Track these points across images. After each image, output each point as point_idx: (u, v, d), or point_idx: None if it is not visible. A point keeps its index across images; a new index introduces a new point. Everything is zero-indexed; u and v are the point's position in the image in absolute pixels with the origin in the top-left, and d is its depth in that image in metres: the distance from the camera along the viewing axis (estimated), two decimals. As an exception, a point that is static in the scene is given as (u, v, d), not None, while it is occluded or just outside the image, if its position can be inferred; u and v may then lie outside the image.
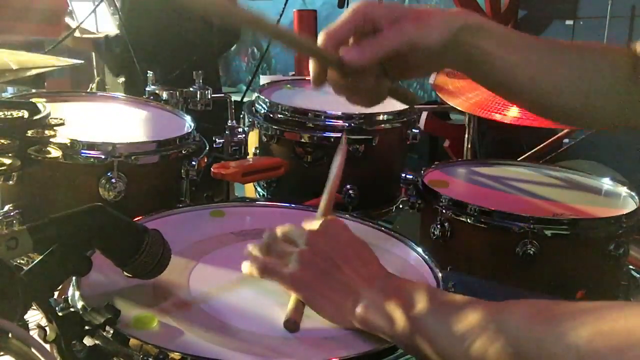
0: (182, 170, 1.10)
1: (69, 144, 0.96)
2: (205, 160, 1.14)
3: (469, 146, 1.99)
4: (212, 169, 1.13)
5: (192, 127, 1.17)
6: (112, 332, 0.60)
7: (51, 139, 0.80)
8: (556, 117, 0.82)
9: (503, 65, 0.71)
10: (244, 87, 1.93)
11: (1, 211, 1.00)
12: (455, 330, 0.55)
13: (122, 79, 2.26)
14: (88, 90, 2.20)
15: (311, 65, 0.72)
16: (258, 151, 1.36)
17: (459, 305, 0.57)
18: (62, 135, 0.91)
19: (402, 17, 0.69)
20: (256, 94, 1.37)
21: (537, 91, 0.73)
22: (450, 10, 0.72)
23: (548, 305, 0.51)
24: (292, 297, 0.67)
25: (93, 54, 2.68)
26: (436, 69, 0.77)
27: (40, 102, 0.85)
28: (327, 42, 0.69)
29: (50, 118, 0.82)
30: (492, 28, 0.71)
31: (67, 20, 2.29)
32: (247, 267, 0.73)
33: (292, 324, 0.64)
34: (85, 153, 0.98)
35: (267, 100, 1.31)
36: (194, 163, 1.09)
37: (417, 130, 1.32)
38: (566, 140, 2.40)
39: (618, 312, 0.47)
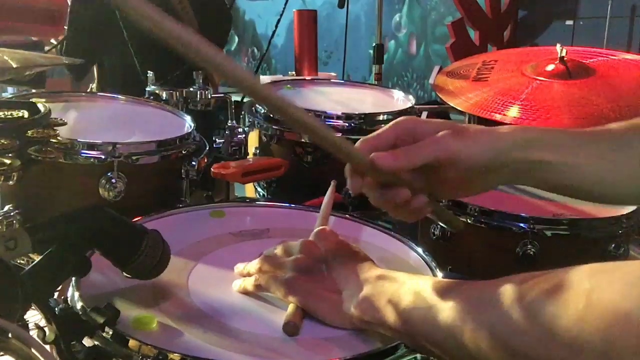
0: (182, 170, 1.10)
1: (69, 144, 0.96)
2: (205, 160, 1.14)
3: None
4: (212, 169, 1.13)
5: (192, 127, 1.17)
6: (111, 332, 0.60)
7: (51, 139, 0.81)
8: (632, 202, 0.80)
9: (564, 170, 0.67)
10: (244, 87, 1.92)
11: (1, 211, 1.00)
12: (443, 320, 0.54)
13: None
14: (88, 90, 2.19)
15: (347, 170, 0.67)
16: (258, 151, 1.36)
17: (445, 291, 0.57)
18: (62, 135, 0.91)
19: (444, 130, 0.67)
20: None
21: (606, 185, 0.69)
22: (499, 128, 0.69)
23: (531, 283, 0.49)
24: (291, 303, 0.68)
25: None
26: (483, 188, 0.73)
27: (40, 102, 0.86)
28: (363, 147, 0.66)
29: (51, 118, 0.82)
30: (541, 137, 0.68)
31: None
32: (238, 284, 0.73)
33: (292, 327, 0.64)
34: (85, 153, 0.98)
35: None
36: (194, 163, 1.09)
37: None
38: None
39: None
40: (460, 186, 0.71)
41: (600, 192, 0.70)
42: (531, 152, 0.67)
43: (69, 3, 2.00)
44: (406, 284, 0.62)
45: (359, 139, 1.22)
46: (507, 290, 0.50)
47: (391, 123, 0.69)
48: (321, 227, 0.77)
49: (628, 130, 0.70)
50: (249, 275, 0.73)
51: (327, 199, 0.89)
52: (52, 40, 2.16)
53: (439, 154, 0.65)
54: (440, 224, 0.81)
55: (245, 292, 0.72)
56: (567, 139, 0.69)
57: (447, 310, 0.54)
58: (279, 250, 0.75)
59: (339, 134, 0.59)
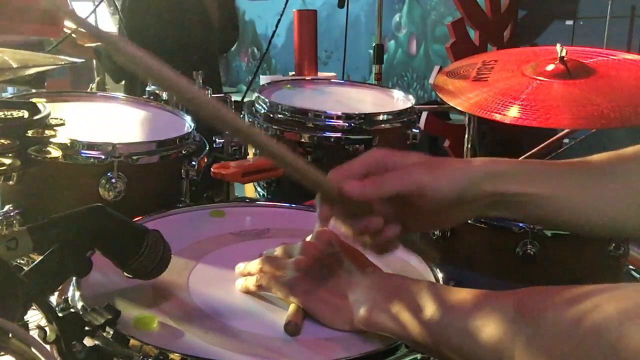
0: (182, 170, 1.10)
1: (69, 144, 0.96)
2: (205, 160, 1.14)
3: (469, 146, 1.99)
4: (212, 169, 1.13)
5: (192, 127, 1.17)
6: (112, 332, 0.60)
7: (51, 139, 0.80)
8: (611, 233, 0.80)
9: (538, 201, 0.67)
10: (244, 87, 1.93)
11: (1, 211, 1.00)
12: (484, 338, 0.52)
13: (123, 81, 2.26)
14: (88, 90, 2.19)
15: (316, 199, 0.68)
16: (258, 152, 1.36)
17: (471, 302, 0.56)
18: (62, 135, 0.91)
19: (415, 162, 0.67)
20: (256, 94, 1.37)
21: (586, 217, 0.68)
22: (472, 161, 0.69)
23: (568, 297, 0.49)
24: (292, 304, 0.68)
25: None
26: (457, 220, 0.73)
27: (40, 102, 0.85)
28: (333, 177, 0.67)
29: (50, 118, 0.82)
30: (514, 170, 0.68)
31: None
32: (240, 283, 0.73)
33: (293, 327, 0.64)
34: (85, 153, 0.98)
35: (267, 100, 1.31)
36: (194, 163, 1.09)
37: (417, 130, 1.32)
38: (566, 141, 2.40)
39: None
40: (432, 218, 0.71)
41: (578, 224, 0.69)
42: (503, 184, 0.66)
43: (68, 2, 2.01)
44: (422, 292, 0.61)
45: (359, 138, 1.22)
46: (563, 311, 0.49)
47: (363, 154, 0.70)
48: (322, 228, 0.77)
49: (611, 160, 0.70)
50: (249, 275, 0.73)
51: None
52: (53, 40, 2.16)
53: (406, 186, 0.65)
54: None
55: (247, 292, 0.72)
56: (542, 170, 0.69)
57: (490, 327, 0.53)
58: (279, 251, 0.75)
59: (309, 167, 0.62)
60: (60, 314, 0.58)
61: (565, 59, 1.34)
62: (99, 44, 2.26)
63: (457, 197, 0.66)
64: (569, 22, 3.29)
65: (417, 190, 0.65)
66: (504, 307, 0.53)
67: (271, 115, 1.27)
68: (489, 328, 0.53)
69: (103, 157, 0.98)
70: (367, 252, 0.75)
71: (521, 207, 0.68)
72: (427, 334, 0.58)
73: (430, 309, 0.58)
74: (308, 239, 0.76)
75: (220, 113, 0.56)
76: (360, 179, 0.67)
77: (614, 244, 1.04)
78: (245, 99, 1.67)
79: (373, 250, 0.72)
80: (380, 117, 1.26)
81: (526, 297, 0.53)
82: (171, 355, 0.57)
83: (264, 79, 2.42)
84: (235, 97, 1.56)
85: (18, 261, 0.85)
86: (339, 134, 1.21)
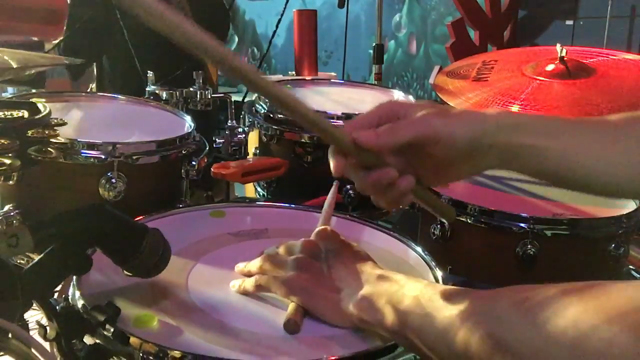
0: (182, 170, 1.10)
1: (69, 144, 0.96)
2: (205, 160, 1.14)
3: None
4: (212, 169, 1.13)
5: (192, 127, 1.17)
6: (112, 330, 0.60)
7: (51, 139, 0.81)
8: (620, 195, 0.79)
9: (551, 155, 0.65)
10: (244, 87, 1.92)
11: (1, 211, 1.00)
12: (438, 323, 0.54)
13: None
14: (88, 90, 2.19)
15: (330, 152, 0.66)
16: (258, 151, 1.36)
17: (446, 297, 0.57)
18: (62, 135, 0.91)
19: (429, 111, 0.66)
20: (256, 94, 1.37)
21: (594, 173, 0.67)
22: (484, 111, 0.68)
23: (533, 291, 0.50)
24: (291, 302, 0.68)
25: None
26: (470, 172, 0.71)
27: (40, 102, 0.86)
28: (347, 128, 0.65)
29: (50, 118, 0.82)
30: (529, 122, 0.67)
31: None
32: (237, 285, 0.73)
33: (293, 325, 0.64)
34: (85, 153, 0.98)
35: (267, 100, 1.31)
36: (194, 163, 1.10)
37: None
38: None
39: (600, 289, 0.46)
40: (445, 170, 0.69)
41: (591, 181, 0.67)
42: (517, 135, 0.65)
43: (68, 3, 2.00)
44: (406, 287, 0.62)
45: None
46: (505, 297, 0.51)
47: (375, 106, 0.69)
48: (323, 227, 0.78)
49: (628, 119, 0.69)
50: (249, 274, 0.73)
51: (329, 199, 0.89)
52: (53, 41, 2.16)
53: (421, 132, 0.64)
54: (432, 212, 0.80)
55: (245, 293, 0.72)
56: (558, 124, 0.68)
57: (443, 313, 0.55)
58: (280, 250, 0.75)
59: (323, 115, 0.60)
60: (60, 312, 0.58)
61: (565, 58, 1.34)
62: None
63: (470, 146, 0.64)
64: (569, 22, 3.29)
65: (432, 137, 0.64)
66: (463, 298, 0.55)
67: (271, 115, 1.27)
68: (442, 314, 0.54)
69: (103, 157, 0.98)
70: (365, 249, 0.75)
71: (534, 161, 0.66)
72: (398, 323, 0.59)
73: (406, 301, 0.59)
74: (311, 237, 0.76)
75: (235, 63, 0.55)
76: (373, 128, 0.65)
77: (614, 244, 1.04)
78: (245, 99, 1.67)
79: (384, 202, 0.70)
80: (380, 117, 1.26)
81: (488, 291, 0.53)
82: (171, 353, 0.57)
83: (264, 79, 2.41)
84: (235, 97, 1.56)
85: (18, 260, 0.85)
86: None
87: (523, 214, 1.01)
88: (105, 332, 0.60)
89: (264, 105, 1.31)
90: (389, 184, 0.66)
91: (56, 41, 1.88)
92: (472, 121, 0.65)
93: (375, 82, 2.43)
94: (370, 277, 0.66)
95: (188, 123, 1.21)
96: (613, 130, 0.68)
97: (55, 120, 0.84)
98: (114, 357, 0.60)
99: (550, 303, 0.46)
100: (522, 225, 1.01)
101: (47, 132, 0.80)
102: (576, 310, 0.44)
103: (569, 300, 0.45)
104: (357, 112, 1.24)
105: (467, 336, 0.51)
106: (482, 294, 0.55)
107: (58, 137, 0.87)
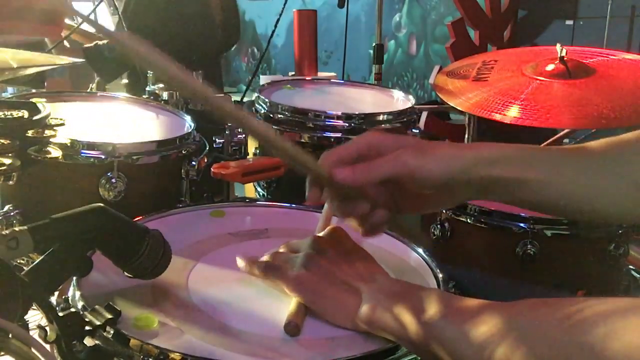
0: (182, 170, 1.10)
1: (69, 144, 0.96)
2: (205, 160, 1.14)
3: (469, 146, 1.99)
4: (212, 169, 1.13)
5: (192, 127, 1.17)
6: (112, 332, 0.60)
7: (51, 139, 0.80)
8: (607, 220, 0.80)
9: (530, 186, 0.66)
10: (244, 87, 1.93)
11: (1, 211, 1.00)
12: (474, 338, 0.53)
13: (125, 80, 2.26)
14: (88, 90, 2.19)
15: (307, 181, 0.70)
16: (258, 151, 1.36)
17: (474, 311, 0.56)
18: (62, 135, 0.91)
19: (406, 146, 0.67)
20: (256, 94, 1.37)
21: (575, 201, 0.67)
22: (464, 145, 0.69)
23: (572, 307, 0.49)
24: (294, 301, 0.68)
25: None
26: (449, 203, 0.75)
27: (40, 102, 0.85)
28: (325, 161, 0.67)
29: (50, 118, 0.82)
30: (507, 154, 0.67)
31: (67, 20, 2.29)
32: (244, 263, 0.73)
33: (293, 327, 0.64)
34: (85, 153, 0.98)
35: (267, 100, 1.31)
36: (194, 163, 1.10)
37: (417, 130, 1.32)
38: (566, 141, 2.40)
39: None
40: (423, 201, 0.72)
41: (574, 209, 0.69)
42: (495, 169, 0.66)
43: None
44: (425, 297, 0.61)
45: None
46: (543, 313, 0.50)
47: (355, 138, 0.70)
48: (335, 225, 0.78)
49: (607, 146, 0.69)
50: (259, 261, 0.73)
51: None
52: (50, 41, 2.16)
53: (397, 171, 0.65)
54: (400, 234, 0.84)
55: (250, 274, 0.72)
56: (537, 155, 0.68)
57: (480, 328, 0.53)
58: (288, 247, 0.75)
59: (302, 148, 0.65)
60: (60, 314, 0.58)
61: (565, 58, 1.34)
62: (87, 45, 2.26)
63: (447, 182, 0.66)
64: (569, 22, 3.30)
65: (407, 175, 0.65)
66: (499, 312, 0.54)
67: (271, 115, 1.27)
68: (480, 328, 0.53)
69: (103, 157, 0.98)
70: (366, 249, 0.75)
71: (515, 192, 0.67)
72: (424, 334, 0.58)
73: (431, 311, 0.58)
74: (321, 234, 0.76)
75: (222, 106, 0.57)
76: (351, 163, 0.67)
77: (614, 244, 1.04)
78: (245, 99, 1.67)
79: (362, 231, 0.73)
80: (380, 117, 1.26)
81: (521, 304, 0.53)
82: (171, 355, 0.57)
83: (263, 79, 2.42)
84: (235, 97, 1.56)
85: (18, 261, 0.85)
86: (339, 134, 1.21)
87: (523, 214, 1.01)
88: (106, 334, 0.60)
89: (264, 106, 1.31)
90: (362, 216, 0.70)
91: (55, 41, 1.89)
92: (449, 159, 0.66)
93: (375, 82, 2.43)
94: (385, 283, 0.66)
95: (188, 123, 1.21)
96: (593, 158, 0.68)
97: (55, 120, 0.84)
98: (115, 359, 0.59)
99: (601, 323, 0.45)
100: (522, 225, 1.01)
101: (47, 132, 0.80)
102: (633, 335, 0.43)
103: (622, 323, 0.44)
104: (357, 112, 1.24)
105: (507, 353, 0.50)
106: (513, 308, 0.54)
107: (58, 137, 0.87)
